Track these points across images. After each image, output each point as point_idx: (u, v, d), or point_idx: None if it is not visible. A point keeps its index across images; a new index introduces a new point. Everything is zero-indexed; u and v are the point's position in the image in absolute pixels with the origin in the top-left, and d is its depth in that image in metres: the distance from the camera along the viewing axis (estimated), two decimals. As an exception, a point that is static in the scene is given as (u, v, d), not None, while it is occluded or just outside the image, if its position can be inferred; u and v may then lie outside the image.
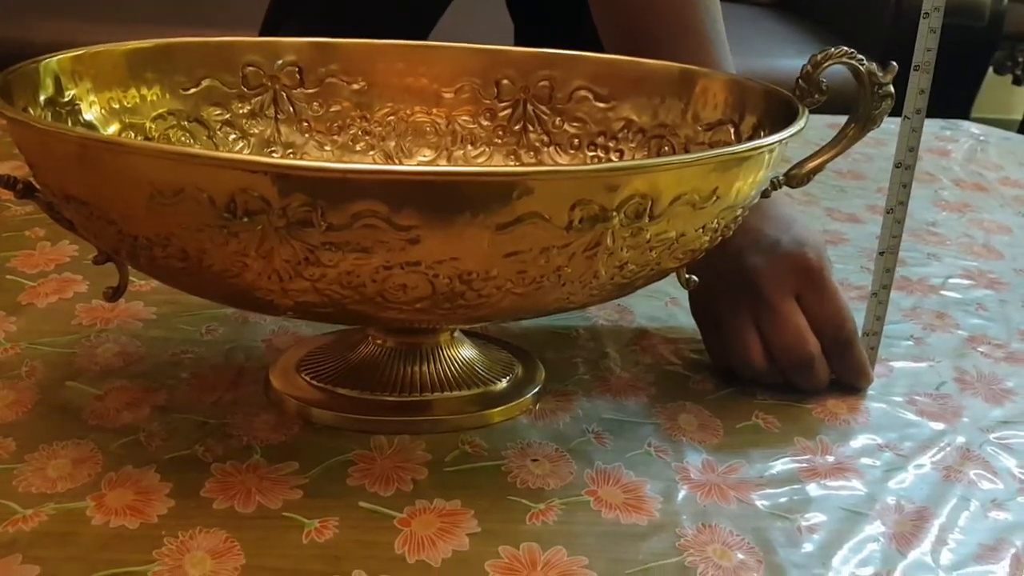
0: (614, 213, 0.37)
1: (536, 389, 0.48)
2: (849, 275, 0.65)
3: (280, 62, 0.54)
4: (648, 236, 0.39)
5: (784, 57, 1.59)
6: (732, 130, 0.50)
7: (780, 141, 0.42)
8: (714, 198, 0.40)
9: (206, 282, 0.40)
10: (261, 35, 0.87)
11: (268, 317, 0.54)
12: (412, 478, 0.42)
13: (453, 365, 0.47)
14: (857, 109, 0.46)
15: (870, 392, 0.52)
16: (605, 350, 0.53)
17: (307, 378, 0.47)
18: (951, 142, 0.96)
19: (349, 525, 0.39)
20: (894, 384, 0.53)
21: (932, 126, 0.98)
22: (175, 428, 0.44)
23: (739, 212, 0.43)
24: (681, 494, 0.42)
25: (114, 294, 0.44)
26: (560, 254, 0.37)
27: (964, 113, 1.65)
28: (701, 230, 0.41)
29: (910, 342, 0.57)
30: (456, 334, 0.49)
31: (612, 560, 0.38)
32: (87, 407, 0.45)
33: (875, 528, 0.42)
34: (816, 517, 0.42)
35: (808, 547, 0.40)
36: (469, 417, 0.46)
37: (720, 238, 0.43)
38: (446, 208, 0.35)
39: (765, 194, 0.46)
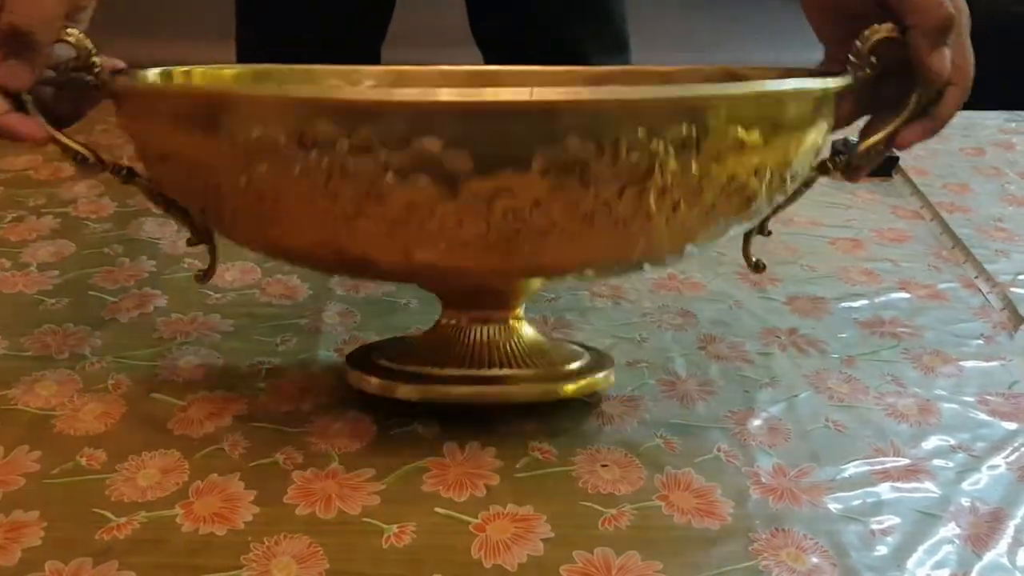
0: (660, 143, 0.37)
1: (610, 371, 0.49)
2: (917, 274, 0.64)
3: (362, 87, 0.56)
4: (697, 173, 0.39)
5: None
6: None
7: (825, 89, 0.42)
8: (760, 139, 0.40)
9: (280, 231, 0.42)
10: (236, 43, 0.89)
11: (339, 327, 0.55)
12: (485, 484, 0.43)
13: (523, 344, 0.48)
14: (915, 81, 0.45)
15: (940, 392, 0.51)
16: (670, 355, 0.54)
17: (383, 361, 0.48)
18: (1016, 135, 0.94)
19: (426, 530, 0.40)
20: (965, 384, 0.52)
21: (996, 118, 0.96)
22: (256, 437, 0.46)
23: (794, 168, 0.43)
24: (753, 498, 0.43)
25: (204, 276, 0.48)
26: (608, 186, 0.38)
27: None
28: (753, 175, 0.41)
29: (980, 341, 0.57)
30: (524, 320, 0.49)
31: (686, 565, 0.39)
32: (172, 417, 0.47)
33: (950, 530, 0.41)
34: (890, 520, 0.42)
35: (882, 550, 0.40)
36: (549, 389, 0.47)
37: (777, 196, 0.43)
38: (495, 141, 0.37)
39: (824, 170, 0.46)
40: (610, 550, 0.39)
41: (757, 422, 0.48)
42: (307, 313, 0.57)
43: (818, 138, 0.44)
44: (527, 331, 0.49)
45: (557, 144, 0.37)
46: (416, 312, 0.57)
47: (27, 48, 0.42)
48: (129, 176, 0.46)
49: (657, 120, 0.38)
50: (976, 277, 0.64)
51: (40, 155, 0.76)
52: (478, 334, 0.47)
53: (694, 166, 0.39)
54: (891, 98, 0.45)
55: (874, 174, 0.81)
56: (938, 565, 0.40)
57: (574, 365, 0.49)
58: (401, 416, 0.47)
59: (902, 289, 0.62)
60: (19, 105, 0.43)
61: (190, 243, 0.48)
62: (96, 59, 0.43)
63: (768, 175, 0.42)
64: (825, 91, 0.43)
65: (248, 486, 0.42)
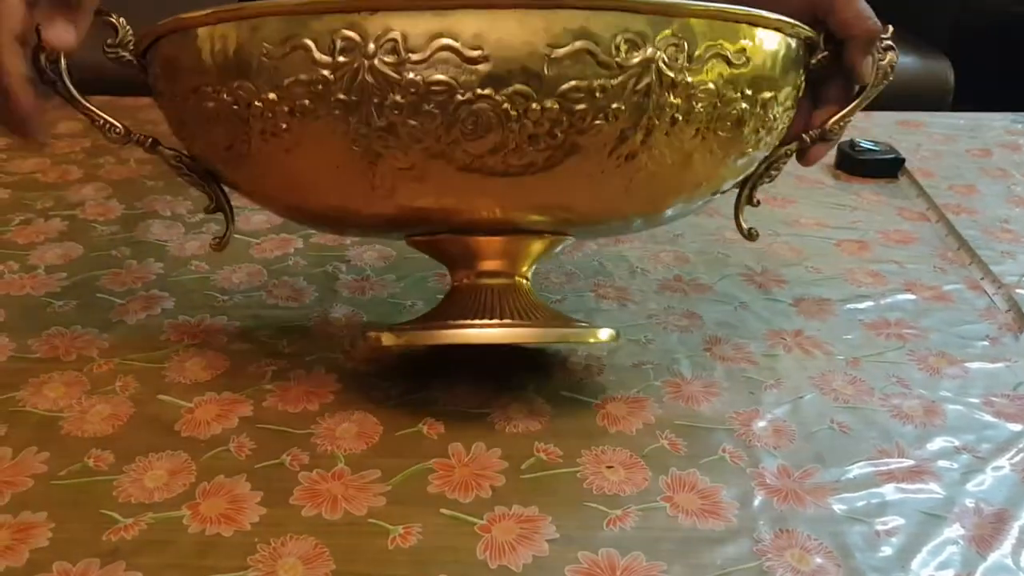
0: (657, 49, 0.40)
1: (616, 331, 0.49)
2: (922, 275, 0.64)
3: None
4: (691, 82, 0.41)
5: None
6: None
7: (794, 24, 0.45)
8: (744, 59, 0.42)
9: (303, 159, 0.43)
10: None
11: (345, 329, 0.55)
12: (490, 485, 0.43)
13: (531, 300, 0.49)
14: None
15: (945, 394, 0.51)
16: (676, 356, 0.54)
17: (402, 327, 0.50)
18: (1023, 136, 0.94)
19: (432, 531, 0.40)
20: (970, 385, 0.52)
21: (1003, 120, 0.96)
22: (262, 438, 0.46)
23: (775, 111, 0.45)
24: (757, 499, 0.43)
25: (220, 244, 0.51)
26: (613, 90, 0.39)
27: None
28: (740, 96, 0.43)
29: (986, 342, 0.57)
30: (530, 283, 0.50)
31: (690, 566, 0.39)
32: (179, 419, 0.47)
33: (954, 531, 0.42)
34: (894, 520, 0.42)
35: (887, 551, 0.40)
36: (573, 333, 0.49)
37: (762, 128, 0.45)
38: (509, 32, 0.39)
39: (801, 154, 0.52)
40: (615, 551, 0.39)
41: (762, 423, 0.48)
42: (313, 315, 0.57)
43: (792, 91, 0.47)
44: (533, 293, 0.50)
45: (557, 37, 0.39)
46: (421, 312, 0.57)
47: (72, 8, 0.41)
48: (154, 145, 0.49)
49: (649, 24, 0.40)
50: (982, 279, 0.64)
51: (48, 158, 0.76)
52: (488, 292, 0.48)
53: (687, 74, 0.41)
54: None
55: (880, 175, 0.81)
56: (942, 566, 0.40)
57: (584, 325, 0.51)
58: (407, 417, 0.47)
59: (907, 291, 0.62)
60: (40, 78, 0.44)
61: (207, 210, 0.50)
62: (130, 35, 0.46)
63: (753, 100, 0.44)
64: (795, 29, 0.46)
65: (255, 487, 0.42)
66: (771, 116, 0.46)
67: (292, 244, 0.65)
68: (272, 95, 0.41)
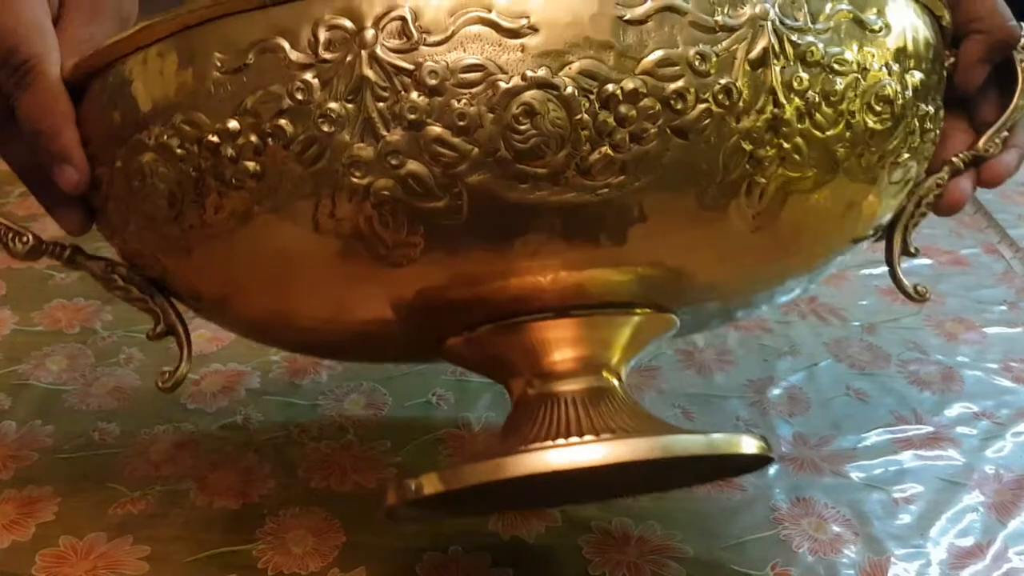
0: (767, 5, 0.30)
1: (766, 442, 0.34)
2: (938, 239, 0.63)
3: None
4: (819, 51, 0.30)
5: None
6: None
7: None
8: (882, 24, 0.32)
9: (280, 226, 0.30)
10: None
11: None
12: (502, 455, 0.42)
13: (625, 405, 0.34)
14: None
15: (963, 359, 0.50)
16: (688, 323, 0.53)
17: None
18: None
19: (443, 503, 0.40)
20: (988, 351, 0.51)
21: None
22: (270, 410, 0.45)
23: (925, 93, 0.34)
24: (773, 468, 0.42)
25: (170, 383, 0.36)
26: (719, 61, 0.29)
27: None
28: (886, 71, 0.32)
29: (1004, 307, 0.56)
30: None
31: (706, 535, 0.38)
32: (185, 391, 0.46)
33: (974, 498, 0.41)
34: (913, 488, 0.41)
35: (905, 518, 0.40)
36: (706, 442, 0.32)
37: (917, 126, 0.34)
38: None
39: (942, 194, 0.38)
40: (629, 520, 0.39)
41: (777, 391, 0.47)
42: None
43: (939, 83, 0.36)
44: (629, 398, 0.34)
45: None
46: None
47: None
48: (72, 257, 0.36)
49: None
50: (999, 242, 0.63)
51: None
52: (564, 403, 0.32)
53: (813, 35, 0.30)
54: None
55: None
56: (962, 533, 0.39)
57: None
58: (416, 388, 0.47)
59: (923, 255, 0.61)
60: None
61: (152, 335, 0.37)
62: None
63: (902, 80, 0.33)
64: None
65: (262, 459, 0.42)
66: (923, 109, 0.34)
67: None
68: (232, 123, 0.29)
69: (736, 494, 0.41)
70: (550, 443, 0.30)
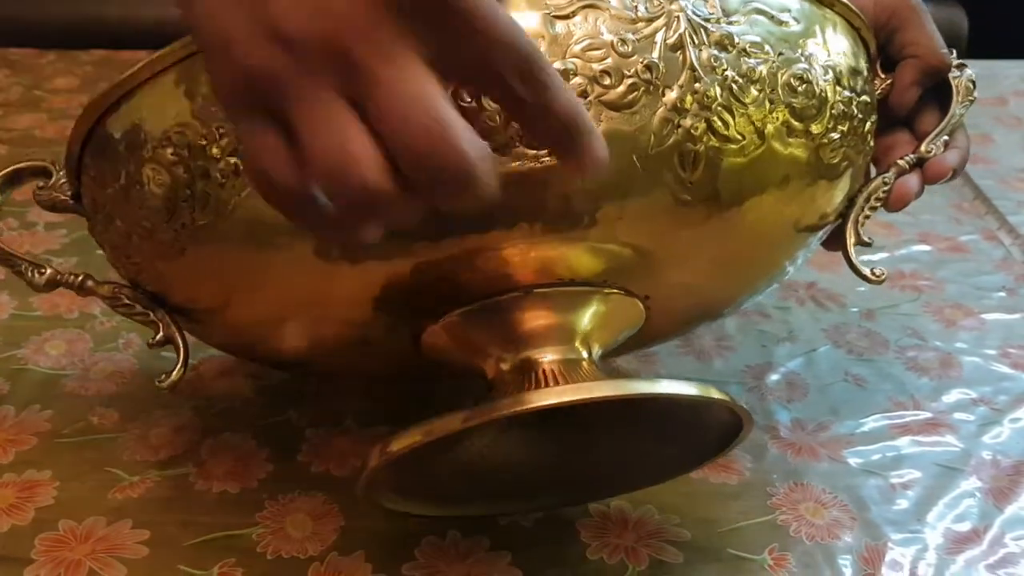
0: None
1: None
2: (937, 226, 0.63)
3: None
4: (733, 37, 0.33)
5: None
6: None
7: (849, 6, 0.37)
8: (791, 18, 0.35)
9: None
10: None
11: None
12: (500, 440, 0.43)
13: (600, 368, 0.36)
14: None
15: (962, 346, 0.50)
16: (687, 309, 0.53)
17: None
18: (1039, 84, 0.92)
19: (441, 487, 0.40)
20: (986, 337, 0.51)
21: (1018, 68, 0.94)
22: (268, 395, 0.45)
23: (844, 79, 0.37)
24: (771, 453, 0.42)
25: (170, 384, 0.38)
26: (639, 44, 0.31)
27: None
28: (800, 56, 0.35)
29: (1002, 293, 0.56)
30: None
31: (703, 520, 0.39)
32: (184, 377, 0.46)
33: (971, 483, 0.41)
34: (910, 473, 0.41)
35: (903, 503, 0.40)
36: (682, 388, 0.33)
37: (841, 99, 0.36)
38: None
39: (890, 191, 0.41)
40: (627, 504, 0.39)
41: (775, 377, 0.47)
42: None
43: (864, 84, 0.38)
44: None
45: None
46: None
47: None
48: (83, 284, 0.40)
49: None
50: (998, 229, 0.63)
51: (44, 113, 0.75)
52: (541, 369, 0.34)
53: (724, 25, 0.33)
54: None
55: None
56: (959, 519, 0.39)
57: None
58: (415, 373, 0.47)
59: (922, 242, 0.61)
60: None
61: (152, 343, 0.39)
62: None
63: (819, 61, 0.35)
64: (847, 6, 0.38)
65: (261, 444, 0.42)
66: (846, 95, 0.36)
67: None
68: (217, 127, 0.32)
69: (734, 479, 0.41)
70: (520, 394, 0.32)
